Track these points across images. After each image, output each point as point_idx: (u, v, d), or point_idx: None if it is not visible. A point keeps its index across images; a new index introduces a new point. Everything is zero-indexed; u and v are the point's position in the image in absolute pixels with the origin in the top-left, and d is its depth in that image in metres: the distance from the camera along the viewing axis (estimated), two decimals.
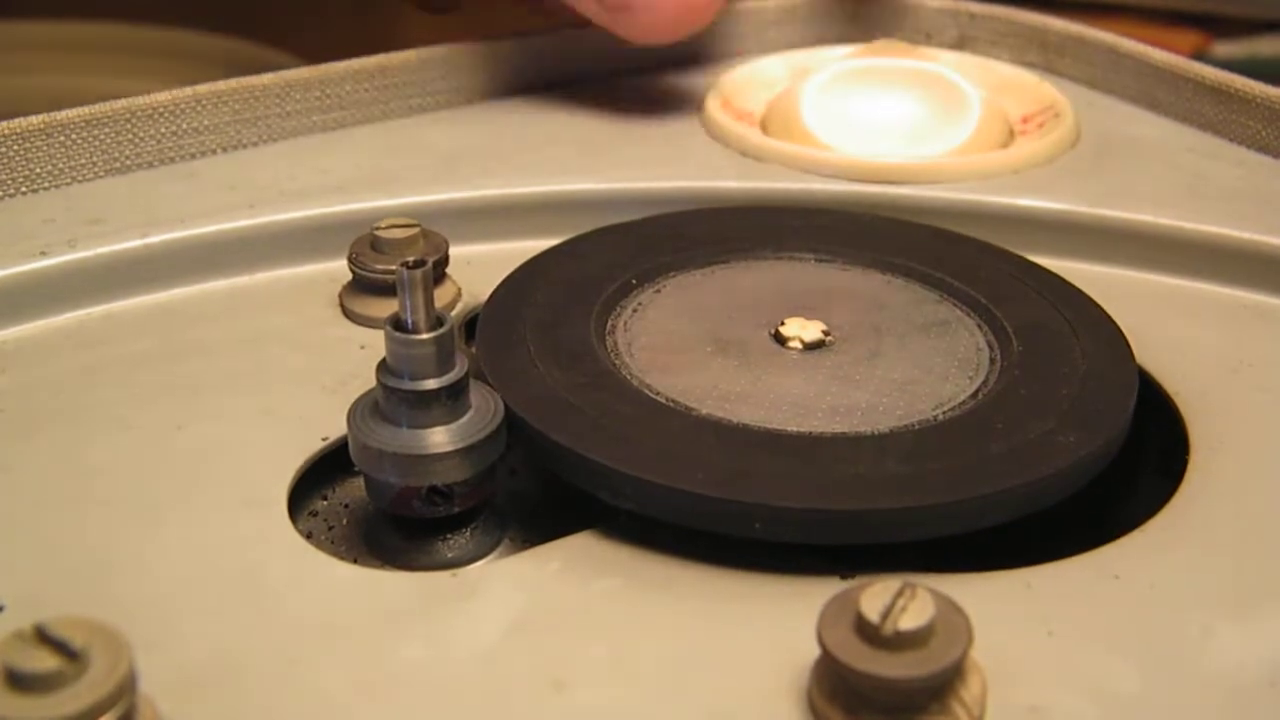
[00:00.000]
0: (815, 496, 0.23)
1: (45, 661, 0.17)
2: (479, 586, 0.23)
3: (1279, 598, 0.22)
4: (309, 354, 0.29)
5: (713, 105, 0.38)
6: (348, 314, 0.30)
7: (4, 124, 0.33)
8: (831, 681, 0.20)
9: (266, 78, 0.36)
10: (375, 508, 0.25)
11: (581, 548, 0.23)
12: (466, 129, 0.37)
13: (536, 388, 0.25)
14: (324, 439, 0.26)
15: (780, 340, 0.27)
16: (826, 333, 0.28)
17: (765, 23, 0.44)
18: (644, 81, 0.40)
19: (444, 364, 0.23)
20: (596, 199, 0.34)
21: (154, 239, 0.31)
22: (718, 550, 0.23)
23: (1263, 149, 0.37)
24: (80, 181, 0.34)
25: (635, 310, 0.29)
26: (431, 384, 0.23)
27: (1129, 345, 0.27)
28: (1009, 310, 0.28)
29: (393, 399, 0.23)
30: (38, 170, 0.33)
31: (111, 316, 0.30)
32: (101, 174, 0.34)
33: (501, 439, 0.24)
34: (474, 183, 0.34)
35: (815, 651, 0.19)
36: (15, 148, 0.33)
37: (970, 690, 0.19)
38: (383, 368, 0.24)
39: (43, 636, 0.18)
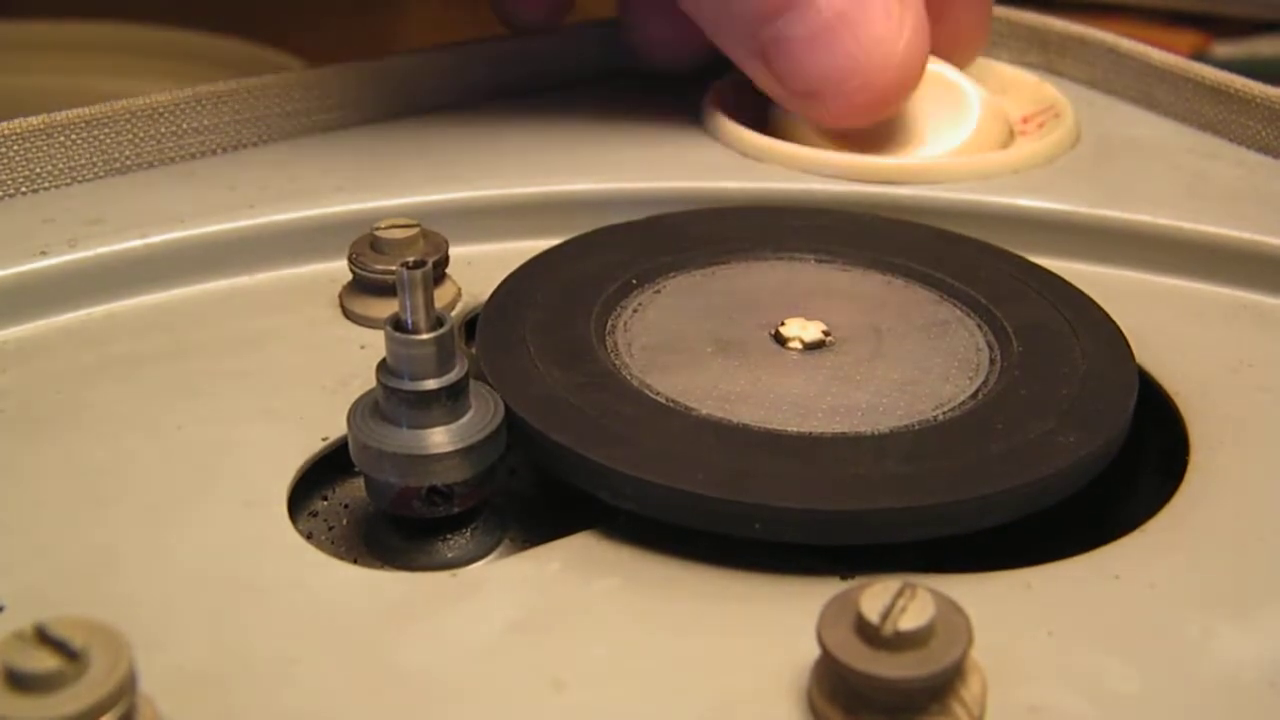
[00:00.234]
0: (815, 497, 0.23)
1: (45, 661, 0.17)
2: (479, 586, 0.23)
3: (1279, 598, 0.22)
4: (309, 354, 0.29)
5: (713, 105, 0.38)
6: (348, 314, 0.30)
7: (4, 124, 0.33)
8: (831, 682, 0.20)
9: (266, 78, 0.36)
10: (375, 508, 0.25)
11: (581, 548, 0.23)
12: (467, 129, 0.37)
13: (536, 388, 0.25)
14: (324, 439, 0.26)
15: (780, 340, 0.27)
16: (827, 333, 0.28)
17: None
18: (644, 82, 0.40)
19: (444, 364, 0.23)
20: (596, 199, 0.34)
21: (154, 239, 0.31)
22: (718, 550, 0.23)
23: (1263, 149, 0.37)
24: (80, 181, 0.34)
25: (635, 310, 0.29)
26: (431, 384, 0.23)
27: (1129, 345, 0.27)
28: (1009, 310, 0.28)
29: (393, 399, 0.23)
30: (38, 170, 0.33)
31: (112, 316, 0.30)
32: (101, 174, 0.34)
33: (501, 439, 0.24)
34: (474, 183, 0.34)
35: (815, 651, 0.19)
36: (15, 148, 0.33)
37: (970, 690, 0.19)
38: (383, 368, 0.24)
39: (43, 636, 0.18)
